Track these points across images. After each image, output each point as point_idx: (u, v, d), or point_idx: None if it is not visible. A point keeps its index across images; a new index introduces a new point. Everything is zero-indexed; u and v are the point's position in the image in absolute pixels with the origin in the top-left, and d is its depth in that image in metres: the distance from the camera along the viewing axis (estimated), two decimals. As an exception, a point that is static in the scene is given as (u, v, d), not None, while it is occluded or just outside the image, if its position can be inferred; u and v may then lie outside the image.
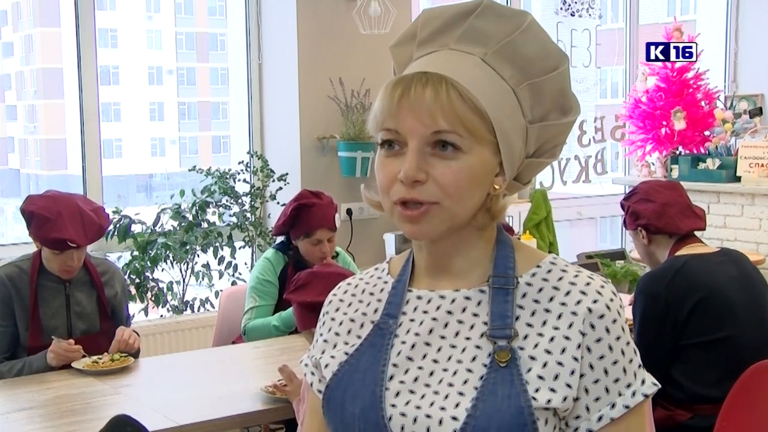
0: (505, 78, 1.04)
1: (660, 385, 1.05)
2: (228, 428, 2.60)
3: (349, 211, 4.42)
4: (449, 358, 1.04)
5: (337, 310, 1.18)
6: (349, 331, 1.14)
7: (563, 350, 1.00)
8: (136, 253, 4.04)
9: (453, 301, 1.08)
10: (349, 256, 3.69)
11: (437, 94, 0.99)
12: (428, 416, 1.01)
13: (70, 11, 4.11)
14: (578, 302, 1.02)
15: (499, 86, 1.04)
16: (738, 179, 5.05)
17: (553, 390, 0.99)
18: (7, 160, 13.31)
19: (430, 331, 1.07)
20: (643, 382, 1.03)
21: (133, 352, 2.97)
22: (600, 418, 1.01)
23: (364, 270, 1.25)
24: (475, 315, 1.06)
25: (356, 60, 4.38)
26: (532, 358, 1.01)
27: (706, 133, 5.34)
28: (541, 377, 1.00)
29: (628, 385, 1.02)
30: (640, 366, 1.04)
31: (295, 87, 4.33)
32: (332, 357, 1.13)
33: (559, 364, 1.00)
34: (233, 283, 4.22)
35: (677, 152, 5.37)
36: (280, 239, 3.55)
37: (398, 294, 1.12)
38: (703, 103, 5.39)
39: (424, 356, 1.06)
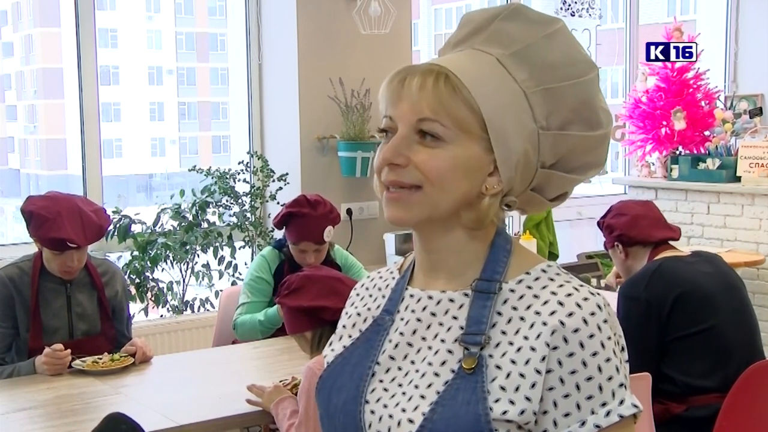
0: (518, 80, 1.04)
1: (642, 407, 1.00)
2: (228, 428, 2.60)
3: (349, 211, 4.42)
4: (423, 360, 1.04)
5: (353, 304, 1.20)
6: (354, 325, 1.16)
7: (527, 361, 0.97)
8: (136, 253, 4.04)
9: (439, 302, 1.07)
10: (345, 252, 3.68)
11: (424, 83, 1.02)
12: (390, 416, 1.01)
13: (70, 11, 4.11)
14: (552, 313, 0.98)
15: (507, 87, 1.03)
16: (738, 179, 5.05)
17: (512, 402, 0.96)
18: (7, 160, 13.31)
19: (414, 332, 1.07)
20: (622, 402, 0.98)
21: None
22: None
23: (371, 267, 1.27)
24: (455, 318, 1.05)
25: (356, 60, 4.38)
26: (498, 367, 0.98)
27: (706, 133, 5.34)
28: (502, 388, 0.97)
29: (603, 404, 0.97)
30: (621, 385, 0.98)
31: (295, 87, 4.33)
32: (332, 350, 1.15)
33: (521, 375, 0.97)
34: (233, 283, 4.21)
35: (677, 152, 5.37)
36: (278, 237, 3.56)
37: (398, 291, 1.13)
38: (703, 103, 5.39)
39: (405, 356, 1.06)
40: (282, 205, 3.69)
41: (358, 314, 1.16)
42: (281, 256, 3.40)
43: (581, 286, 1.02)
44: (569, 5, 5.36)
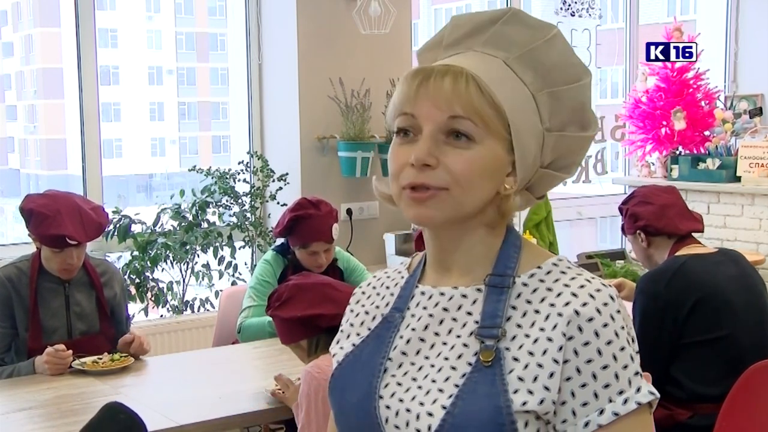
0: (525, 83, 1.06)
1: (658, 394, 1.02)
2: (228, 428, 2.60)
3: (349, 211, 4.42)
4: (438, 355, 1.05)
5: (358, 302, 1.21)
6: (362, 323, 1.17)
7: (544, 352, 0.99)
8: (136, 253, 4.04)
9: (451, 298, 1.08)
10: (347, 254, 3.67)
11: (456, 83, 1.02)
12: (408, 410, 1.02)
13: (70, 11, 4.11)
14: (566, 304, 1.01)
15: (519, 89, 1.06)
16: (738, 179, 5.05)
17: (530, 392, 0.98)
18: (7, 160, 13.29)
19: (426, 327, 1.08)
20: (638, 390, 1.00)
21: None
22: (587, 424, 0.98)
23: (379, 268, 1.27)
24: (469, 313, 1.06)
25: (356, 60, 4.38)
26: (516, 359, 1.00)
27: (706, 133, 5.34)
28: (521, 379, 0.99)
29: (621, 392, 0.99)
30: (636, 373, 1.01)
31: (295, 87, 4.33)
32: (341, 348, 1.16)
33: (539, 366, 0.99)
34: (233, 283, 4.22)
35: (677, 152, 5.37)
36: (280, 240, 3.55)
37: (408, 288, 1.14)
38: (703, 103, 5.39)
39: (418, 352, 1.07)
40: (283, 206, 3.69)
41: (366, 312, 1.17)
42: (285, 261, 3.39)
43: (593, 278, 1.04)
44: (569, 5, 5.36)
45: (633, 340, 1.04)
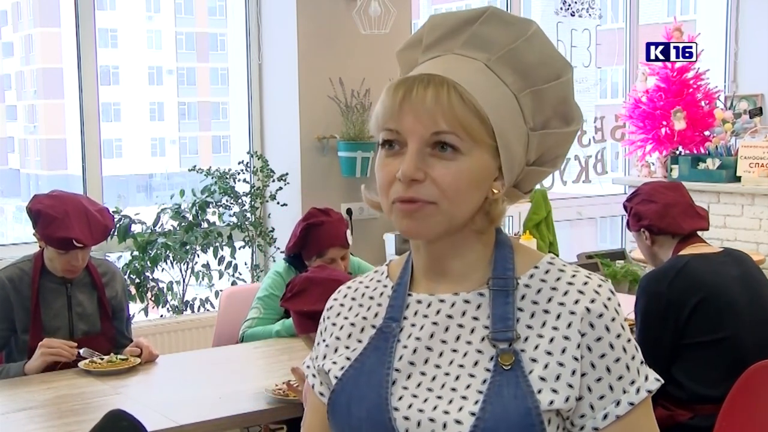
0: (507, 84, 1.05)
1: (663, 381, 1.06)
2: (228, 428, 2.60)
3: (349, 211, 4.42)
4: (451, 363, 1.05)
5: (338, 315, 1.18)
6: (349, 336, 1.14)
7: (563, 350, 1.01)
8: (136, 253, 4.04)
9: (453, 305, 1.08)
10: (356, 259, 3.65)
11: (438, 95, 1.00)
12: (432, 420, 1.01)
13: (70, 11, 4.11)
14: (576, 302, 1.03)
15: (501, 92, 1.05)
16: (738, 179, 5.05)
17: (555, 391, 0.99)
18: (7, 160, 13.29)
19: (431, 336, 1.07)
20: (646, 378, 1.04)
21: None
22: (605, 416, 1.01)
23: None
24: (475, 319, 1.06)
25: (356, 60, 4.38)
26: (533, 360, 1.01)
27: (706, 133, 5.35)
28: (542, 378, 1.00)
29: (632, 382, 1.02)
30: (642, 362, 1.05)
31: (295, 87, 4.33)
32: (334, 363, 1.13)
33: (560, 364, 1.00)
34: (233, 283, 4.22)
35: (677, 152, 5.37)
36: (282, 254, 3.50)
37: (399, 297, 1.12)
38: (703, 103, 5.40)
39: (426, 361, 1.06)
40: (283, 206, 3.69)
41: (352, 324, 1.15)
42: (297, 273, 3.37)
43: (590, 274, 1.07)
44: (569, 5, 5.36)
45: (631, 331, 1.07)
